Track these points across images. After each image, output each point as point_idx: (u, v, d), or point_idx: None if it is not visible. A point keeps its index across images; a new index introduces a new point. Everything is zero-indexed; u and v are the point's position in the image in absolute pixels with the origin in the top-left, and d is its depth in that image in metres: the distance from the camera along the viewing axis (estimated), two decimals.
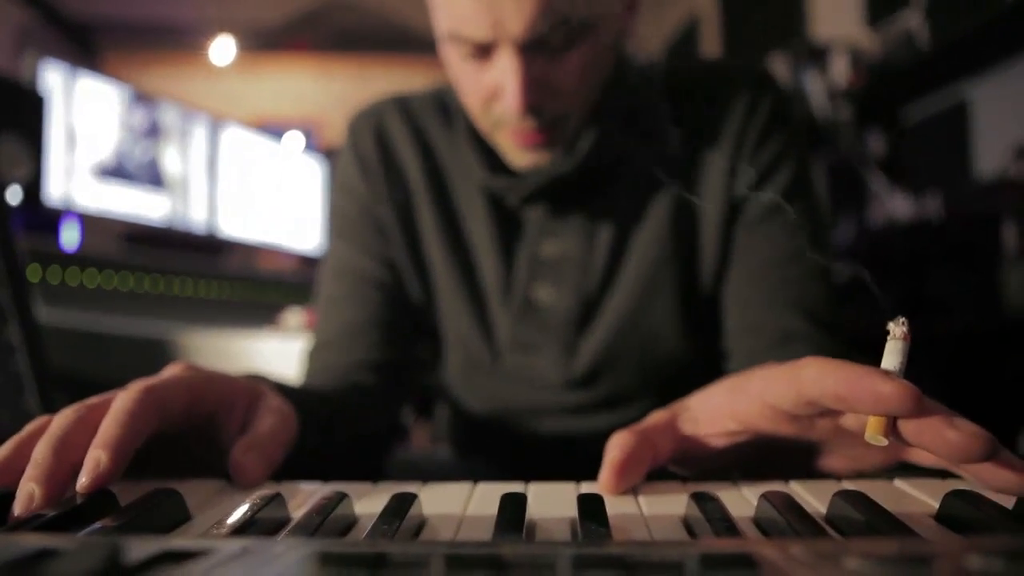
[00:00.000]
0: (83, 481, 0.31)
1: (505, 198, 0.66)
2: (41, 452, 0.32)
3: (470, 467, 0.79)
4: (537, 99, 0.55)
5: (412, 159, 0.70)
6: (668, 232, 0.64)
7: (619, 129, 0.64)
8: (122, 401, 0.34)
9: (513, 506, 0.29)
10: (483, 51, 0.55)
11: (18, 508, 0.30)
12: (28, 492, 0.31)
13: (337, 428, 0.55)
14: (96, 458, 0.31)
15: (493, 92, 0.57)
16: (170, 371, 0.39)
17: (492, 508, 0.31)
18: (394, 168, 0.70)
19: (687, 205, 0.65)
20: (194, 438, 0.40)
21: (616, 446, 0.35)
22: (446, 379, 0.75)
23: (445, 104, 0.72)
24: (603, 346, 0.66)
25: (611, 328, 0.65)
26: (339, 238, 0.72)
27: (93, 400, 0.36)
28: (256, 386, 0.43)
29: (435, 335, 0.73)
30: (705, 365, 0.65)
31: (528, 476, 0.37)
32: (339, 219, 0.73)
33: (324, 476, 0.39)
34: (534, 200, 0.65)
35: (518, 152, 0.61)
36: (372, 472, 0.64)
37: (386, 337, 0.68)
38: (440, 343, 0.73)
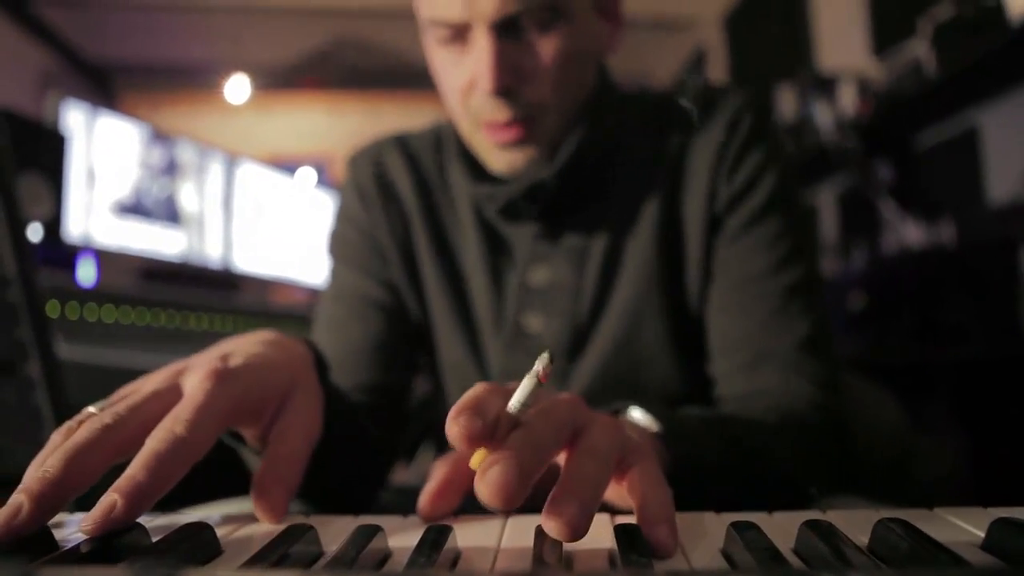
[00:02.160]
0: (88, 526, 0.30)
1: (487, 211, 0.66)
2: (53, 465, 0.31)
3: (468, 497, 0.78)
4: (510, 81, 0.56)
5: (409, 191, 0.71)
6: (656, 254, 0.64)
7: (602, 145, 0.64)
8: (157, 442, 0.32)
9: (550, 537, 0.29)
10: (459, 34, 0.57)
11: (1, 517, 0.29)
12: (16, 504, 0.30)
13: (352, 440, 0.55)
14: (111, 503, 0.30)
15: (470, 83, 0.58)
16: (205, 386, 0.36)
17: (526, 540, 0.31)
18: (392, 199, 0.71)
19: (674, 226, 0.65)
20: None
21: (434, 474, 0.38)
22: (445, 410, 0.75)
23: (439, 137, 0.73)
24: (595, 373, 0.65)
25: (602, 355, 0.65)
26: (340, 263, 0.73)
27: (121, 413, 0.34)
28: (288, 381, 0.41)
29: (434, 366, 0.73)
30: (699, 391, 0.64)
31: (524, 506, 0.36)
32: (340, 246, 0.73)
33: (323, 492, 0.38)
34: (520, 215, 0.65)
35: (497, 153, 0.61)
36: (367, 494, 0.62)
37: (388, 359, 0.68)
38: (438, 374, 0.73)
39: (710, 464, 0.44)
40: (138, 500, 0.30)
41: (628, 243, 0.65)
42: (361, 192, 0.72)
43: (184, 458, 0.33)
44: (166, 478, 0.32)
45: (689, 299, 0.65)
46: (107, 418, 0.34)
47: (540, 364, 0.31)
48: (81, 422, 0.34)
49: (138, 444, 0.33)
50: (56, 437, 0.34)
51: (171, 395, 0.37)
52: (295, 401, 0.41)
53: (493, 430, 0.29)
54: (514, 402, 0.31)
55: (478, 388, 0.31)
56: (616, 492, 0.35)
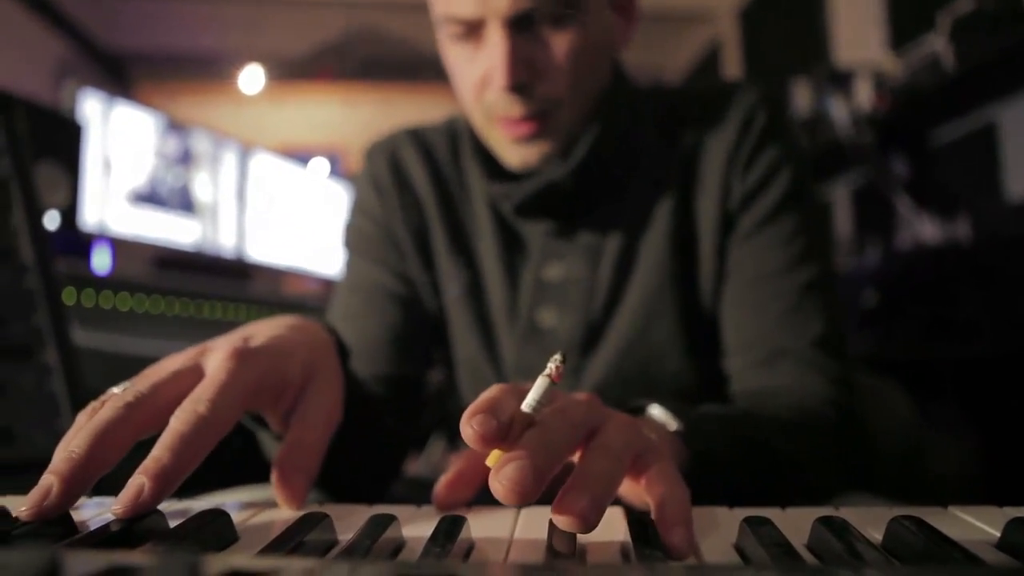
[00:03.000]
0: (118, 509, 0.30)
1: (503, 207, 0.66)
2: (78, 445, 0.31)
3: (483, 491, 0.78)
4: (524, 76, 0.56)
5: (425, 185, 0.71)
6: (669, 251, 0.64)
7: (617, 141, 0.64)
8: (180, 423, 0.33)
9: (563, 530, 0.29)
10: (473, 30, 0.57)
11: (32, 500, 0.30)
12: (47, 486, 0.30)
13: (368, 429, 0.56)
14: (140, 486, 0.30)
15: (484, 79, 0.58)
16: (227, 365, 0.36)
17: (539, 532, 0.31)
18: (408, 192, 0.72)
19: (687, 223, 0.65)
20: None
21: (451, 465, 0.40)
22: (459, 403, 0.75)
23: (455, 131, 0.73)
24: (608, 369, 0.65)
25: (616, 350, 0.65)
26: (355, 255, 0.73)
27: (143, 392, 0.34)
28: (309, 365, 0.42)
29: (449, 360, 0.73)
30: (711, 387, 0.64)
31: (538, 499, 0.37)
32: (355, 238, 0.73)
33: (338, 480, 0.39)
34: (535, 213, 0.65)
35: (511, 148, 0.61)
36: (380, 485, 0.63)
37: (402, 351, 0.68)
38: (452, 368, 0.73)
39: (728, 462, 0.44)
40: (165, 481, 0.31)
41: (642, 240, 0.65)
42: (377, 185, 0.72)
43: (207, 437, 0.33)
44: (191, 458, 0.32)
45: (702, 296, 0.65)
46: (129, 396, 0.34)
47: (553, 364, 0.31)
48: (104, 402, 0.35)
49: (161, 421, 0.34)
50: (81, 418, 0.35)
51: (193, 374, 0.37)
52: (317, 385, 0.42)
53: (508, 430, 0.30)
54: (528, 401, 0.31)
55: (493, 389, 0.31)
56: (633, 491, 0.35)
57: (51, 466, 0.31)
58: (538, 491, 0.28)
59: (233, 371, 0.36)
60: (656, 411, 0.45)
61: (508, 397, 0.31)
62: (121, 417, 0.33)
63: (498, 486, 0.28)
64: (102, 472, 0.32)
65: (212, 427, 0.34)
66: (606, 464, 0.31)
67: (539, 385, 0.31)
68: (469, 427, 0.29)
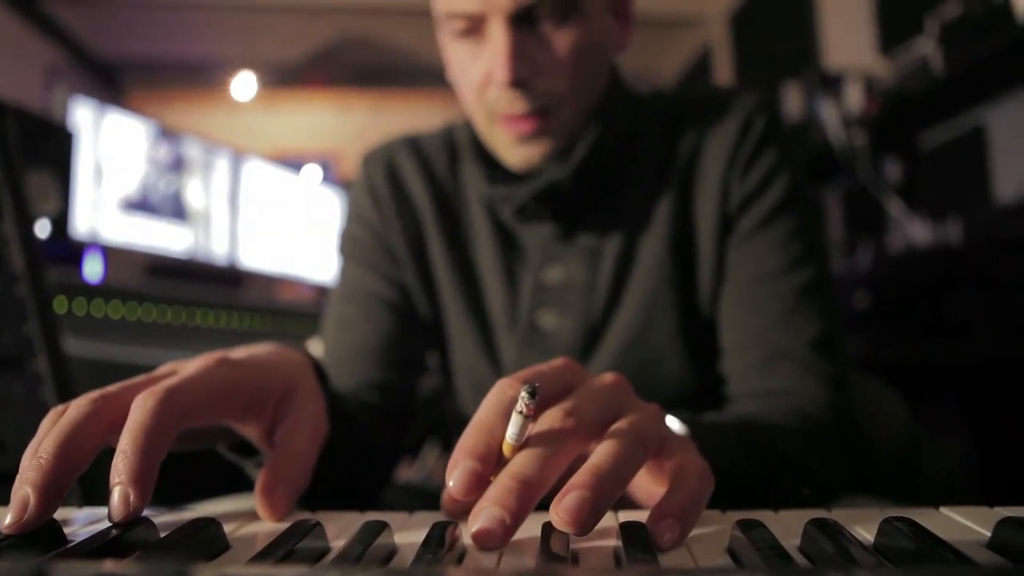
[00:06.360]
0: (115, 520, 0.30)
1: (502, 212, 0.66)
2: (46, 450, 0.31)
3: None
4: (526, 72, 0.57)
5: (421, 192, 0.71)
6: (669, 253, 0.65)
7: (616, 144, 0.64)
8: (139, 415, 0.32)
9: (557, 533, 0.29)
10: (475, 27, 0.57)
11: (12, 515, 0.29)
12: (23, 497, 0.29)
13: (356, 441, 0.55)
14: (125, 495, 0.30)
15: (487, 76, 0.58)
16: (200, 364, 0.37)
17: (532, 536, 0.31)
18: (404, 200, 0.72)
19: (686, 226, 0.65)
20: (213, 431, 0.41)
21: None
22: (457, 407, 0.75)
23: (452, 139, 0.73)
24: (608, 370, 0.65)
25: (615, 352, 0.65)
26: (350, 262, 0.73)
27: (111, 390, 0.34)
28: (290, 379, 0.42)
29: (445, 365, 0.73)
30: (708, 388, 0.65)
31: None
32: (351, 245, 0.74)
33: (327, 492, 0.39)
34: (535, 215, 0.65)
35: (513, 148, 0.62)
36: (371, 493, 0.62)
37: (396, 358, 0.68)
38: (450, 372, 0.73)
39: (739, 474, 0.44)
40: (144, 484, 0.31)
41: (641, 243, 0.66)
42: (373, 193, 0.72)
43: (172, 424, 0.32)
44: (158, 452, 0.32)
45: (700, 298, 0.65)
46: (94, 394, 0.34)
47: (523, 402, 0.30)
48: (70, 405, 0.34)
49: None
50: (45, 423, 0.34)
51: (168, 376, 0.37)
52: (299, 400, 0.41)
53: (491, 471, 0.31)
54: (510, 435, 0.31)
55: (480, 420, 0.32)
56: (645, 491, 0.35)
57: (21, 476, 0.30)
58: (527, 515, 0.29)
59: (205, 367, 0.36)
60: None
61: (499, 422, 0.32)
62: (87, 416, 0.32)
63: (475, 528, 0.29)
64: (75, 474, 0.32)
65: (174, 415, 0.33)
66: (619, 458, 0.30)
67: (515, 422, 0.31)
68: (449, 493, 0.31)
